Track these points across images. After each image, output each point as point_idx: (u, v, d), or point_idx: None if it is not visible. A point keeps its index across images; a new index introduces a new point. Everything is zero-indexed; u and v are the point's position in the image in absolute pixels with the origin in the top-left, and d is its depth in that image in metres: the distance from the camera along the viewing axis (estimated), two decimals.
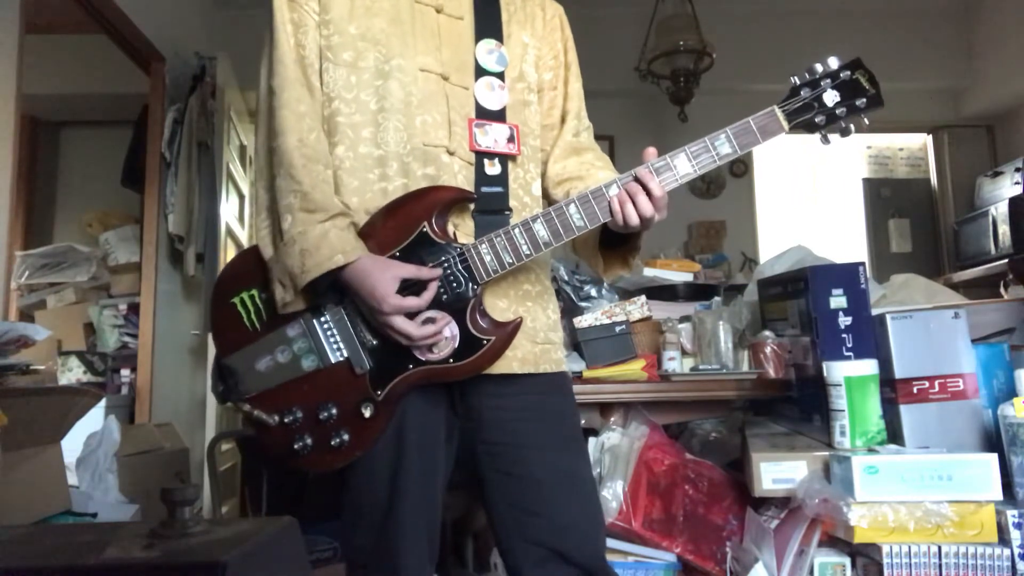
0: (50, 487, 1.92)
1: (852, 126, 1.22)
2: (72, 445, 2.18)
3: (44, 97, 4.18)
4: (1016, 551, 1.37)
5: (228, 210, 3.76)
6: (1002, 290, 3.50)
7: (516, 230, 1.16)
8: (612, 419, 1.96)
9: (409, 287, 1.14)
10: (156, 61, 3.51)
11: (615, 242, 1.28)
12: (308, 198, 1.14)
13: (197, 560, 0.83)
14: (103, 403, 2.77)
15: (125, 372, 3.45)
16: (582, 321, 2.11)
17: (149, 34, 3.36)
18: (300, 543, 1.07)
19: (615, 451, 1.85)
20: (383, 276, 1.12)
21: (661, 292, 2.44)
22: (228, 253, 3.69)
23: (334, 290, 1.16)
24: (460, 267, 1.16)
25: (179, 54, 3.65)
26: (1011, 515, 1.38)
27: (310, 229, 1.12)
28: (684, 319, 2.21)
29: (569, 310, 2.18)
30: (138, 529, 0.99)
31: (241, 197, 4.04)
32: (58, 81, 4.20)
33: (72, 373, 3.38)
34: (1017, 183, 4.13)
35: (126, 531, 1.04)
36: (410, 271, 1.13)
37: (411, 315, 1.13)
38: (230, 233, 3.78)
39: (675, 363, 2.05)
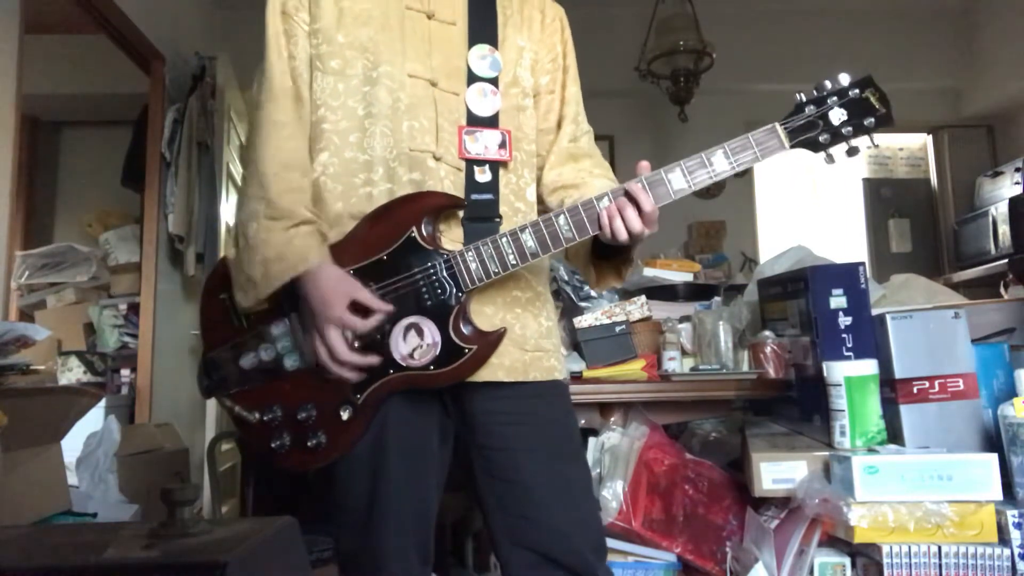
0: (50, 487, 1.92)
1: (859, 145, 1.17)
2: (72, 445, 2.18)
3: (44, 97, 4.17)
4: (1016, 551, 1.37)
5: (228, 210, 3.76)
6: (1002, 290, 3.50)
7: (504, 239, 1.15)
8: (612, 419, 1.96)
9: (360, 311, 1.12)
10: (156, 61, 3.51)
11: (609, 252, 1.26)
12: (273, 205, 1.14)
13: (197, 560, 0.84)
14: (103, 403, 2.79)
15: (125, 372, 3.45)
16: (582, 321, 2.11)
17: (149, 34, 3.35)
18: (300, 543, 1.07)
19: (615, 451, 1.85)
20: (337, 288, 1.11)
21: (661, 292, 2.44)
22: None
23: (291, 295, 1.15)
24: (445, 274, 1.15)
25: (179, 54, 3.65)
26: (1011, 515, 1.38)
27: (272, 236, 1.13)
28: (684, 319, 2.21)
29: (569, 310, 2.18)
30: (138, 529, 1.00)
31: None
32: (58, 81, 4.20)
33: (72, 373, 3.38)
34: (1017, 183, 4.13)
35: (126, 531, 1.04)
36: (364, 297, 1.12)
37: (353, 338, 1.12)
38: (230, 233, 3.78)
39: (675, 363, 2.05)
